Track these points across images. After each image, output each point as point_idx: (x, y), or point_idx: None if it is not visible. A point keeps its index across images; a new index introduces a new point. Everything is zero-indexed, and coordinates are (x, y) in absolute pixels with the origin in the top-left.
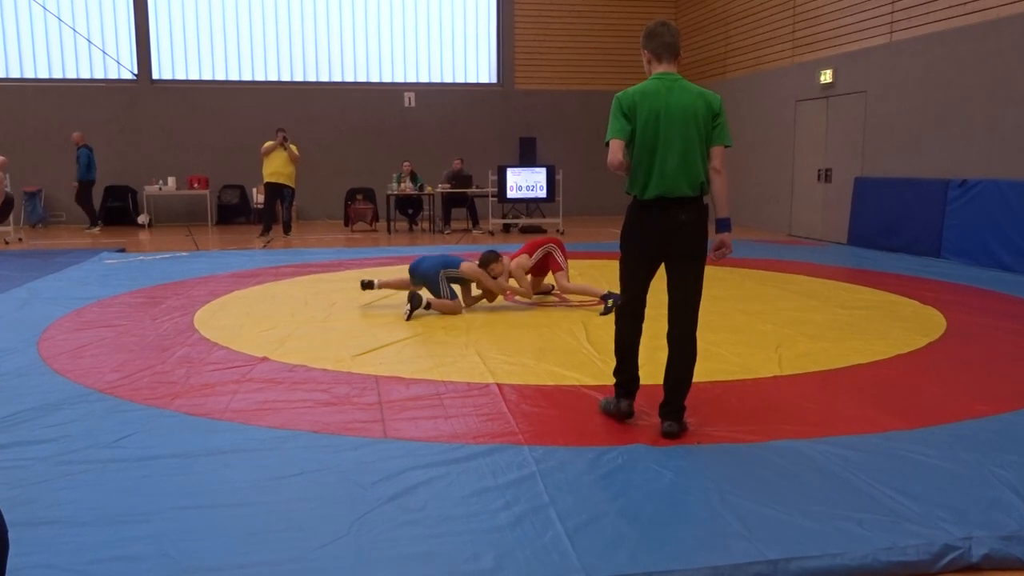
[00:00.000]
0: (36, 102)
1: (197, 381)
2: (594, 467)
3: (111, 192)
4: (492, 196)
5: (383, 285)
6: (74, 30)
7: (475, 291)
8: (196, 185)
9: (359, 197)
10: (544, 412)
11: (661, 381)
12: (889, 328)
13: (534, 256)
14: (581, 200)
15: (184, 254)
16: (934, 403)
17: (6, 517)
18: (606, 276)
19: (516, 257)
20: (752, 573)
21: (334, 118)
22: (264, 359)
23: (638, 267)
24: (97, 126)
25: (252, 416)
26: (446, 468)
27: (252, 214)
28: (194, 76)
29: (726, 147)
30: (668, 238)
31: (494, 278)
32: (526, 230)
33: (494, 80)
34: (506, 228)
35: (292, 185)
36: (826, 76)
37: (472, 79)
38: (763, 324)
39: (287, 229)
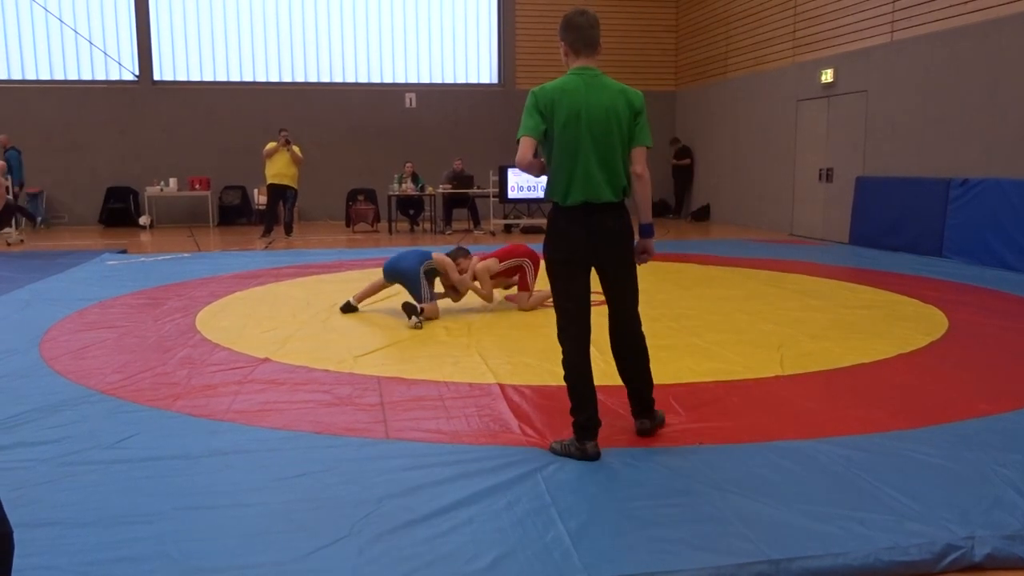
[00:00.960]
0: (37, 104)
1: (199, 382)
2: (596, 467)
3: (113, 193)
4: (493, 196)
5: (360, 299)
6: (75, 31)
7: (438, 287)
8: (197, 186)
9: (360, 198)
10: (546, 412)
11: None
12: (891, 327)
13: (504, 263)
14: None
15: (186, 255)
16: (936, 402)
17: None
18: None
19: (486, 260)
20: (754, 573)
21: (335, 119)
22: (266, 360)
23: (571, 280)
24: (98, 127)
25: (254, 417)
26: (448, 469)
27: (253, 215)
28: (195, 77)
29: (647, 148)
30: (597, 245)
31: (461, 272)
32: (528, 230)
33: (495, 80)
34: (507, 228)
35: (295, 186)
36: (827, 76)
37: (473, 79)
38: (765, 324)
39: (288, 230)
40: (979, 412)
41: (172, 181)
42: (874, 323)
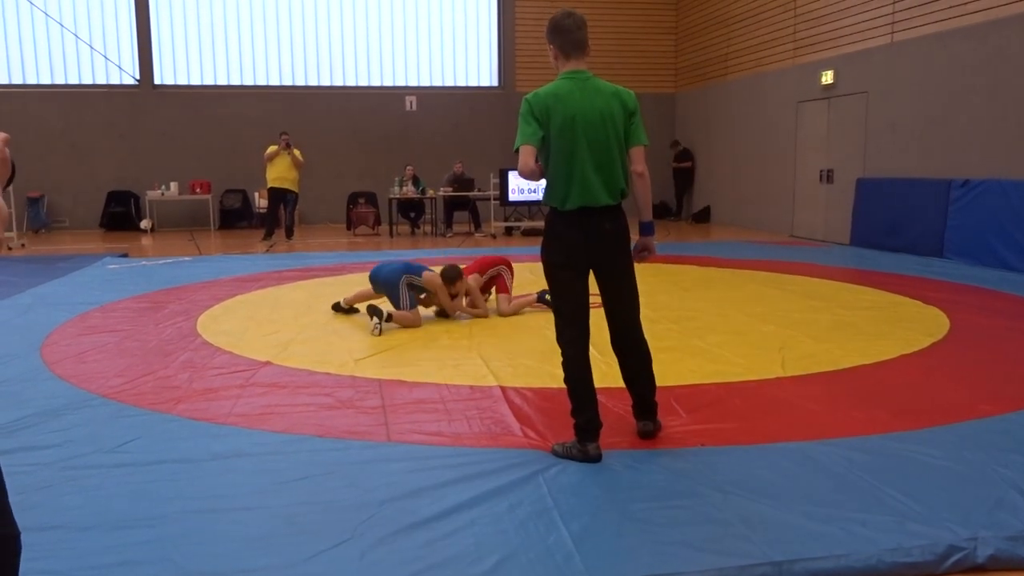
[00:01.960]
0: (38, 108)
1: (200, 386)
2: (598, 469)
3: (114, 197)
4: (494, 199)
5: (349, 303)
6: (76, 36)
7: (431, 303)
8: (198, 190)
9: (361, 201)
10: (547, 414)
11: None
12: (892, 329)
13: (485, 275)
14: None
15: (187, 259)
16: (938, 403)
17: None
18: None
19: (468, 276)
20: (757, 575)
21: (335, 122)
22: (267, 363)
23: (570, 284)
24: (99, 131)
25: (255, 420)
26: (450, 471)
27: (254, 218)
28: (196, 81)
29: (644, 146)
30: (594, 248)
31: (453, 296)
32: (528, 233)
33: (495, 83)
34: (508, 231)
35: (295, 190)
36: (827, 77)
37: (473, 82)
38: (766, 325)
39: (289, 233)
40: (981, 413)
41: (173, 185)
42: (875, 324)
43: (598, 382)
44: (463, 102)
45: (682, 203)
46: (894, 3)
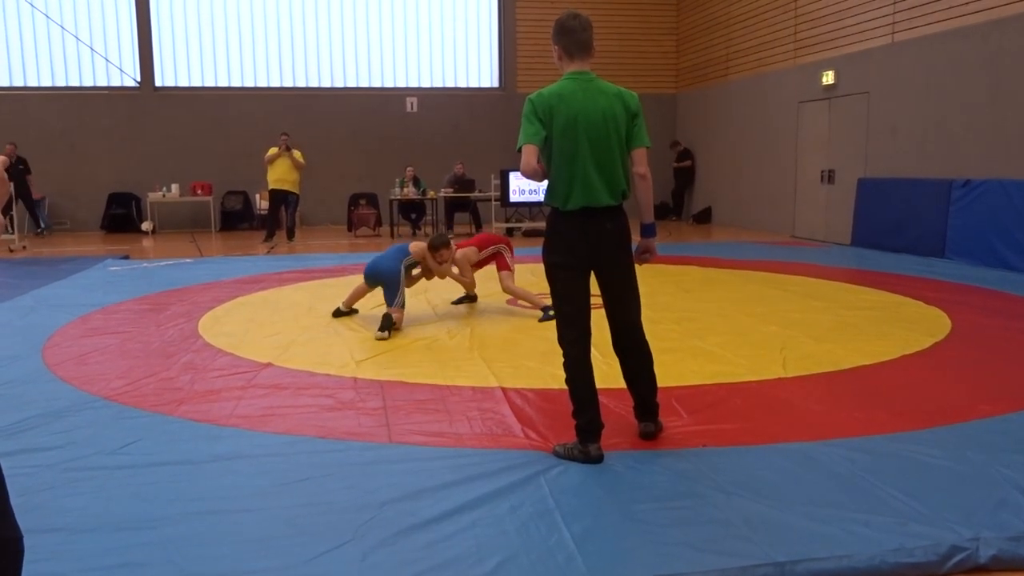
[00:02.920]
0: (39, 110)
1: (202, 387)
2: (599, 470)
3: (115, 199)
4: (495, 200)
5: (348, 304)
6: (76, 38)
7: (414, 272)
8: (199, 191)
9: (362, 202)
10: (549, 415)
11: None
12: (894, 329)
13: (483, 252)
14: None
15: (188, 260)
16: (940, 404)
17: None
18: None
19: (464, 247)
20: None
21: (336, 123)
22: (268, 365)
23: (571, 284)
24: (100, 133)
25: (257, 422)
26: (451, 472)
27: (255, 220)
28: (197, 83)
29: (647, 148)
30: (595, 248)
31: (441, 263)
32: (529, 233)
33: (496, 84)
34: (509, 232)
35: (296, 191)
36: (828, 77)
37: (474, 83)
38: (767, 326)
39: (290, 235)
40: (983, 413)
41: (174, 186)
42: (877, 324)
43: (599, 383)
44: (464, 103)
45: (682, 204)
46: (895, 3)
